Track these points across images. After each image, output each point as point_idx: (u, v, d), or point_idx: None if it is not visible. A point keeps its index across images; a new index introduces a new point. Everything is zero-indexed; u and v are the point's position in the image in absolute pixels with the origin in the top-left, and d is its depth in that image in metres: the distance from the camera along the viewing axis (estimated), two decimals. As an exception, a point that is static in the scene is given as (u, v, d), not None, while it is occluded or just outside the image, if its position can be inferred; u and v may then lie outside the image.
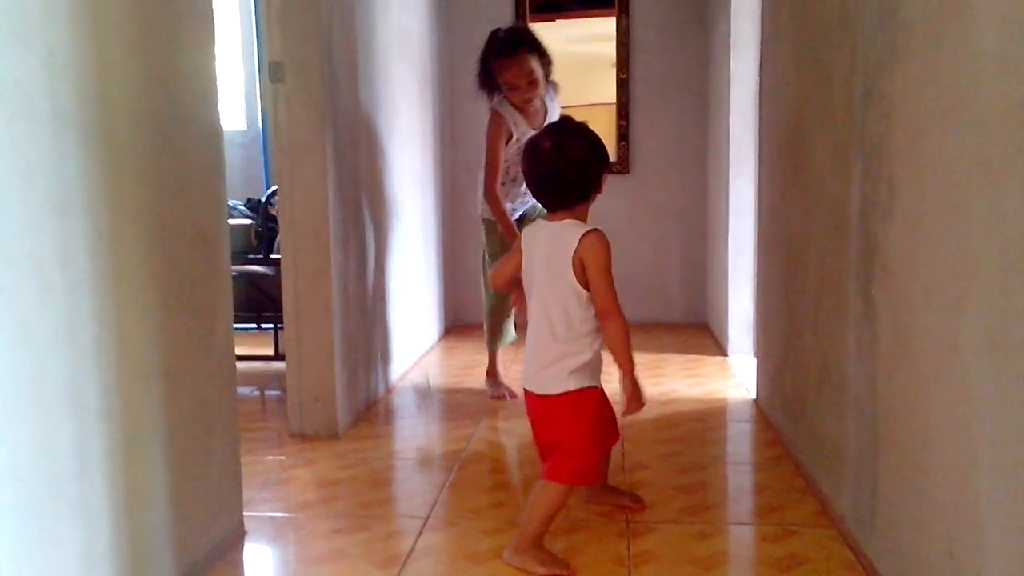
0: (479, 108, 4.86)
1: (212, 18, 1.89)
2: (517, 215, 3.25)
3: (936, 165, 1.43)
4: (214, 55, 1.89)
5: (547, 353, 1.87)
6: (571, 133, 1.89)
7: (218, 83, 1.91)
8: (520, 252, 1.96)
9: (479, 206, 3.26)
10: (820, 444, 2.20)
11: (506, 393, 3.32)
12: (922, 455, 1.50)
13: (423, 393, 3.45)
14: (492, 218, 3.19)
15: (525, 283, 1.95)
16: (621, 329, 1.83)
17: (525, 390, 1.93)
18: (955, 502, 1.37)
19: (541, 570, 1.82)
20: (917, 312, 1.52)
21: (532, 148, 1.89)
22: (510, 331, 3.41)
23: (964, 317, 1.32)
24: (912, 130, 1.54)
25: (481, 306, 3.44)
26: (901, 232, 1.59)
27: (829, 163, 2.09)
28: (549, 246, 1.86)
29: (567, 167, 1.84)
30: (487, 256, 3.31)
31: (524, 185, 3.09)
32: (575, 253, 1.81)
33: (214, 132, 1.90)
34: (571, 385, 1.85)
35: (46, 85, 1.32)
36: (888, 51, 1.65)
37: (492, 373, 3.40)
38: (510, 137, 3.09)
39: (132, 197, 1.56)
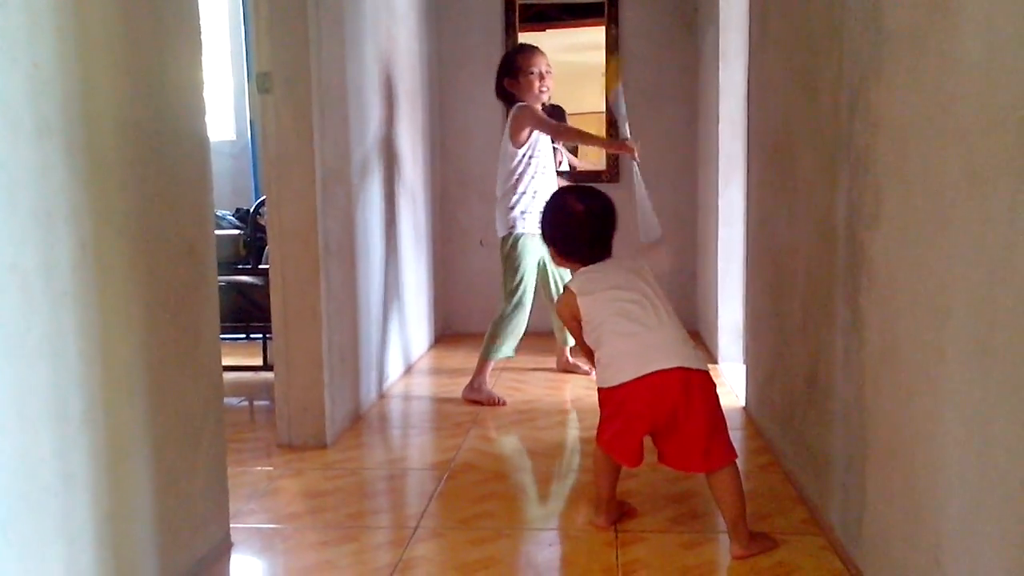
0: (469, 118, 4.90)
1: (199, 30, 1.89)
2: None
3: (921, 174, 1.44)
4: (201, 66, 1.89)
5: (680, 334, 2.00)
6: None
7: (205, 94, 1.91)
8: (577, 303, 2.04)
9: (498, 223, 3.53)
10: (809, 452, 2.20)
11: (496, 398, 3.33)
12: (909, 463, 1.51)
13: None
14: (504, 234, 3.48)
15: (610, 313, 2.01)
16: None
17: (666, 370, 1.92)
18: (942, 510, 1.37)
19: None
20: (903, 320, 1.52)
21: (597, 206, 2.12)
22: (511, 346, 3.46)
23: (950, 325, 1.32)
24: (897, 139, 1.55)
25: (493, 315, 3.50)
26: (887, 241, 1.60)
27: (816, 172, 2.10)
28: (631, 272, 2.06)
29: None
30: (505, 271, 3.48)
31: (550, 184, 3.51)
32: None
33: (200, 143, 1.90)
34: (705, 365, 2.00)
35: (30, 98, 1.31)
36: (873, 61, 1.66)
37: (476, 382, 3.40)
38: (531, 131, 3.42)
39: (117, 208, 1.56)
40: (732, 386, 3.52)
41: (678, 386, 1.92)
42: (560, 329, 3.82)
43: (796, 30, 2.33)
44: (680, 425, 1.94)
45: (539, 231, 3.44)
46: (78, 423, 1.43)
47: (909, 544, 1.51)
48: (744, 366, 3.29)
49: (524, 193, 3.44)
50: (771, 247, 2.67)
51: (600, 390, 2.04)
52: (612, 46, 4.74)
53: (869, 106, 1.69)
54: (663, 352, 1.95)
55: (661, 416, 1.94)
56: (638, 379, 1.93)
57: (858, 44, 1.75)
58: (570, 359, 3.88)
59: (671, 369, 1.92)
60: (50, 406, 1.36)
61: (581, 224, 2.09)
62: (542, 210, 2.20)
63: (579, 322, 2.07)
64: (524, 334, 3.52)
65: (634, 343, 1.97)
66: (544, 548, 2.06)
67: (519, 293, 3.42)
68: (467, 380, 3.51)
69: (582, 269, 2.09)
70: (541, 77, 3.42)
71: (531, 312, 3.50)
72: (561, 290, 3.61)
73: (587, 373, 3.80)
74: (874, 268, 1.67)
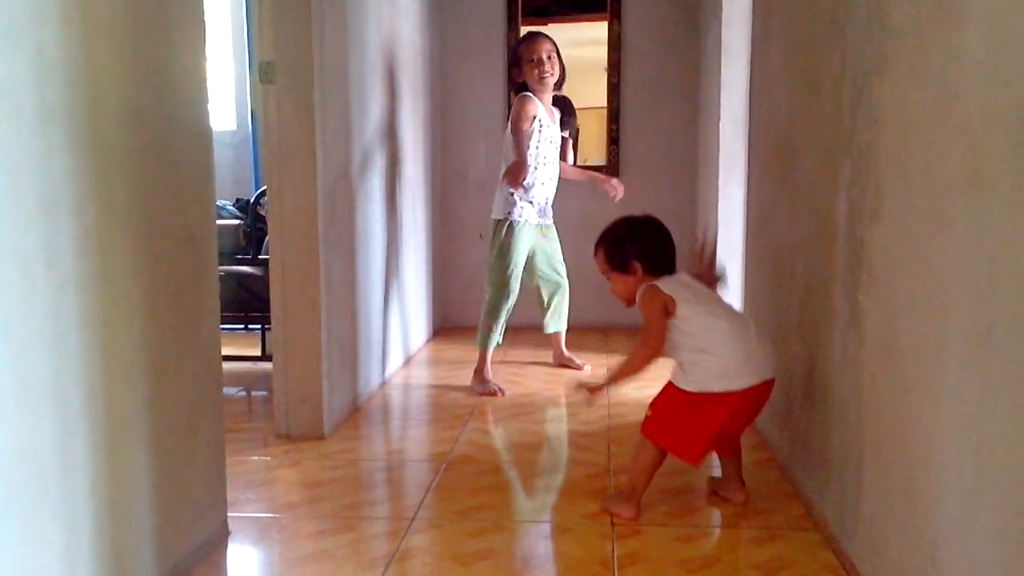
0: (470, 111, 4.89)
1: (203, 18, 1.89)
2: (538, 218, 3.58)
3: (923, 171, 1.44)
4: (205, 55, 1.89)
5: (767, 346, 2.13)
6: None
7: (208, 83, 1.91)
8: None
9: (495, 207, 3.56)
10: (806, 448, 2.21)
11: (496, 389, 3.35)
12: (906, 460, 1.51)
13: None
14: (500, 218, 3.50)
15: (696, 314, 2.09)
16: None
17: (766, 381, 2.08)
18: (938, 507, 1.38)
19: None
20: (902, 317, 1.53)
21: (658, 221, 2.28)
22: (501, 332, 3.52)
23: (949, 322, 1.33)
24: (899, 136, 1.55)
25: (484, 304, 3.53)
26: (887, 238, 1.60)
27: (817, 169, 2.10)
28: (701, 289, 2.16)
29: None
30: (495, 256, 3.51)
31: (551, 186, 3.59)
32: None
33: (203, 132, 1.90)
34: None
35: (34, 84, 1.31)
36: (877, 58, 1.66)
37: (481, 371, 3.43)
38: (533, 118, 3.43)
39: (119, 196, 1.56)
40: (730, 382, 3.52)
41: (765, 396, 2.12)
42: (556, 320, 3.83)
43: (799, 27, 2.33)
44: (746, 423, 2.18)
45: (539, 221, 3.52)
46: (78, 410, 1.43)
47: (905, 540, 1.52)
48: (742, 362, 3.29)
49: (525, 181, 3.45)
50: (771, 244, 2.68)
51: (683, 391, 2.08)
52: (614, 41, 4.73)
53: (871, 103, 1.69)
54: (761, 364, 2.07)
55: (741, 421, 2.15)
56: (744, 390, 2.04)
57: (861, 41, 1.75)
58: (565, 352, 3.89)
59: (767, 381, 2.09)
60: (51, 393, 1.36)
61: (662, 234, 2.23)
62: (616, 239, 2.22)
63: (665, 318, 2.08)
64: (510, 327, 3.60)
65: (738, 354, 2.05)
66: (541, 540, 2.07)
67: (508, 278, 3.46)
68: (466, 372, 3.53)
69: (663, 279, 2.14)
70: (541, 62, 3.43)
71: (518, 302, 3.53)
72: (542, 283, 3.70)
73: (580, 367, 3.82)
74: (874, 265, 1.68)
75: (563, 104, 3.82)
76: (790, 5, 2.44)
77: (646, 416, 2.15)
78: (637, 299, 2.14)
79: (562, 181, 3.70)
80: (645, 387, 3.52)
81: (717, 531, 2.08)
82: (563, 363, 3.88)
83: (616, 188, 3.77)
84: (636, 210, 3.12)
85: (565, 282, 3.76)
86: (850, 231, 1.82)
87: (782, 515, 2.14)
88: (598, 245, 2.25)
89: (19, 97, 1.28)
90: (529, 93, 3.46)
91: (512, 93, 3.64)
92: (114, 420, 1.55)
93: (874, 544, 1.69)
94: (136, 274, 1.62)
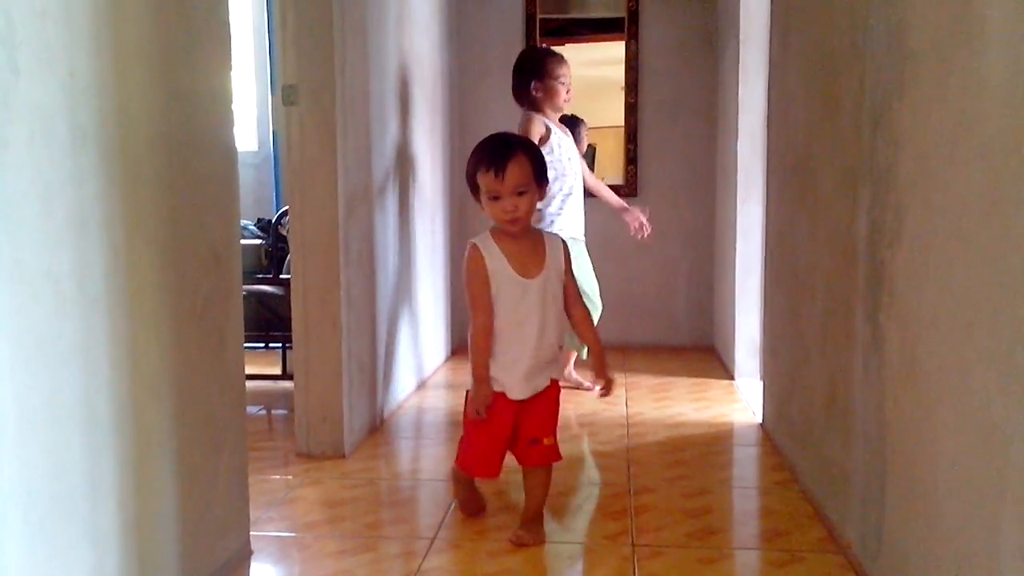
0: (487, 130, 4.89)
1: (229, 42, 1.92)
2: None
3: (943, 192, 1.44)
4: (230, 78, 1.92)
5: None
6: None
7: (233, 106, 1.94)
8: None
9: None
10: (827, 469, 2.19)
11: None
12: (929, 481, 1.50)
13: None
14: None
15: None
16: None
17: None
18: (962, 529, 1.37)
19: None
20: (924, 337, 1.52)
21: None
22: None
23: (971, 342, 1.33)
24: (920, 158, 1.55)
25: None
26: (908, 258, 1.60)
27: (837, 189, 2.11)
28: None
29: None
30: None
31: (578, 198, 3.56)
32: None
33: (229, 154, 1.93)
34: None
35: (66, 107, 1.34)
36: (896, 80, 1.66)
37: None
38: (547, 135, 3.43)
39: (148, 216, 1.59)
40: (749, 402, 3.51)
41: None
42: (569, 338, 3.79)
43: (817, 47, 2.34)
44: None
45: (573, 236, 3.49)
46: (107, 427, 1.45)
47: (929, 562, 1.51)
48: (761, 382, 3.29)
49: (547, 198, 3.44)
50: (790, 263, 2.68)
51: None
52: (632, 61, 4.76)
53: (891, 124, 1.69)
54: None
55: None
56: None
57: (881, 62, 1.76)
58: (572, 375, 3.76)
59: None
60: (80, 410, 1.38)
61: None
62: (538, 152, 2.10)
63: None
64: None
65: None
66: (560, 561, 2.07)
67: None
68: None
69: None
70: (568, 88, 3.48)
71: None
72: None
73: (589, 389, 3.67)
74: (895, 285, 1.67)
75: (572, 122, 3.83)
76: (808, 25, 2.45)
77: (550, 445, 2.17)
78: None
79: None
80: (664, 407, 3.53)
81: (739, 553, 2.07)
82: (571, 386, 3.70)
83: (643, 228, 3.74)
84: (655, 228, 3.12)
85: (594, 301, 3.60)
86: (871, 252, 1.82)
87: (804, 537, 2.12)
88: (522, 154, 1.97)
89: (53, 120, 1.31)
90: (537, 114, 3.47)
91: (519, 103, 3.62)
92: (141, 437, 1.56)
93: (897, 566, 1.67)
94: (163, 292, 1.64)
